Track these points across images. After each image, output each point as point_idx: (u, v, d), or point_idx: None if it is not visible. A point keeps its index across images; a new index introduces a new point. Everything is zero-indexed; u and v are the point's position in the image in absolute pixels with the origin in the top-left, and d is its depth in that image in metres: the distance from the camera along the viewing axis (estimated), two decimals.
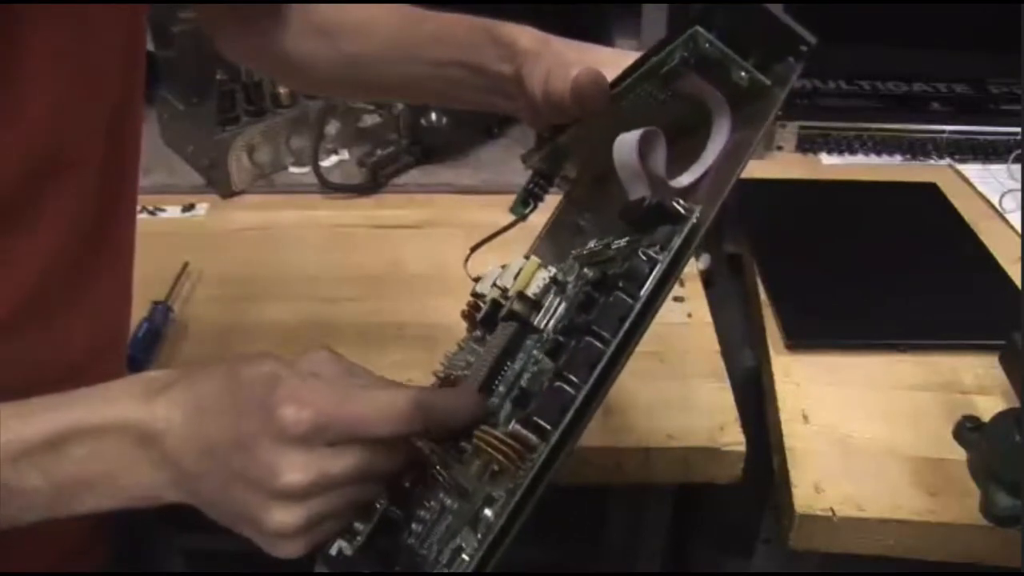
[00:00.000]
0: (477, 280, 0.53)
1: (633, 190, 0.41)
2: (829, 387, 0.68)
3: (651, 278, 0.36)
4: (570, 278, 0.44)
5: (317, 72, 0.63)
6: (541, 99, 0.51)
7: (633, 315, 0.36)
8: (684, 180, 0.41)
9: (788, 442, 0.63)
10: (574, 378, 0.36)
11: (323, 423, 0.38)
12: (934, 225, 0.89)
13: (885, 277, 0.79)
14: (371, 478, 0.40)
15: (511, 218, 0.55)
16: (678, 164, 0.42)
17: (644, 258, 0.37)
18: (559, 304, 0.43)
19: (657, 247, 0.37)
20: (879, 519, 0.58)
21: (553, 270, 0.45)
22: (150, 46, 0.90)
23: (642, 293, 0.36)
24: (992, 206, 0.93)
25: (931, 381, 0.69)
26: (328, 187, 0.96)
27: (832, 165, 1.02)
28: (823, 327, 0.73)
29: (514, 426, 0.37)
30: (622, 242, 0.42)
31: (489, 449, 0.37)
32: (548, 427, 0.36)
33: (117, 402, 0.40)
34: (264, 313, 0.78)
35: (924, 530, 0.58)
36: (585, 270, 0.43)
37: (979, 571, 0.59)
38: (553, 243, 0.55)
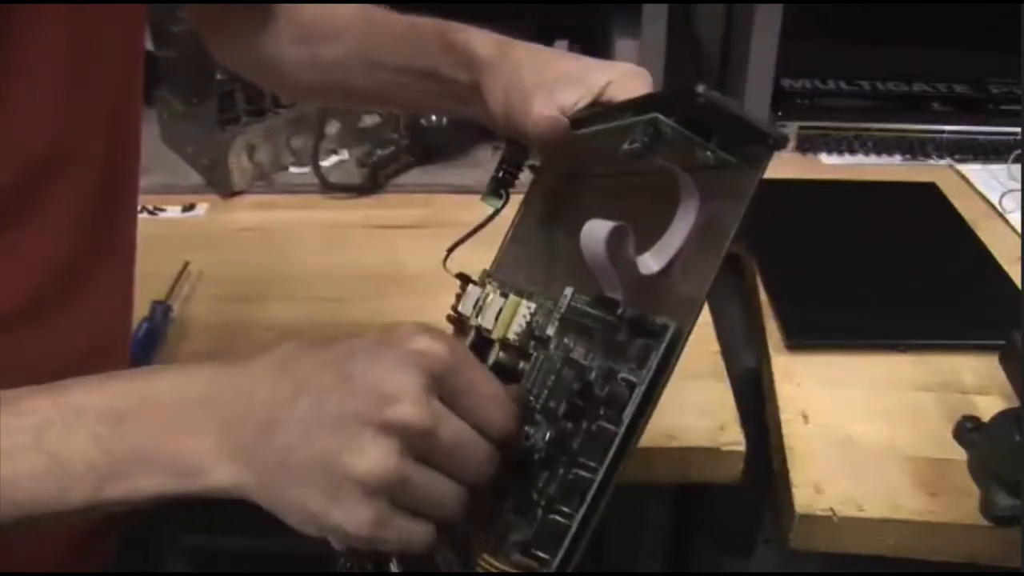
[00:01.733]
0: (461, 278, 0.53)
1: (605, 284, 0.40)
2: (829, 387, 0.68)
3: (630, 404, 0.37)
4: (550, 331, 0.43)
5: (297, 78, 0.62)
6: (501, 121, 0.50)
7: (616, 443, 0.37)
8: (654, 266, 0.40)
9: (788, 442, 0.63)
10: (565, 508, 0.37)
11: (453, 364, 0.36)
12: (934, 225, 0.89)
13: (885, 277, 0.79)
14: (466, 472, 0.37)
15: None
16: (642, 226, 0.41)
17: (623, 384, 0.37)
18: (541, 363, 0.43)
19: (635, 365, 0.37)
20: (879, 519, 0.58)
21: (533, 306, 0.45)
22: (150, 46, 0.90)
23: (624, 416, 0.37)
24: (992, 206, 0.93)
25: (931, 381, 0.69)
26: (328, 187, 0.96)
27: (832, 165, 1.02)
28: (823, 327, 0.73)
29: (516, 556, 0.38)
30: (596, 314, 0.41)
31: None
32: (546, 557, 0.37)
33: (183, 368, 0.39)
34: (264, 313, 0.78)
35: (924, 530, 0.58)
36: (566, 340, 0.42)
37: (979, 571, 0.59)
38: (524, 232, 0.55)
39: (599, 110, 0.47)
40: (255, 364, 0.38)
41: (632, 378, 0.37)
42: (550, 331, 0.43)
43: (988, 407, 0.62)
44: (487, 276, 0.53)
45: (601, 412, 0.37)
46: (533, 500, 0.39)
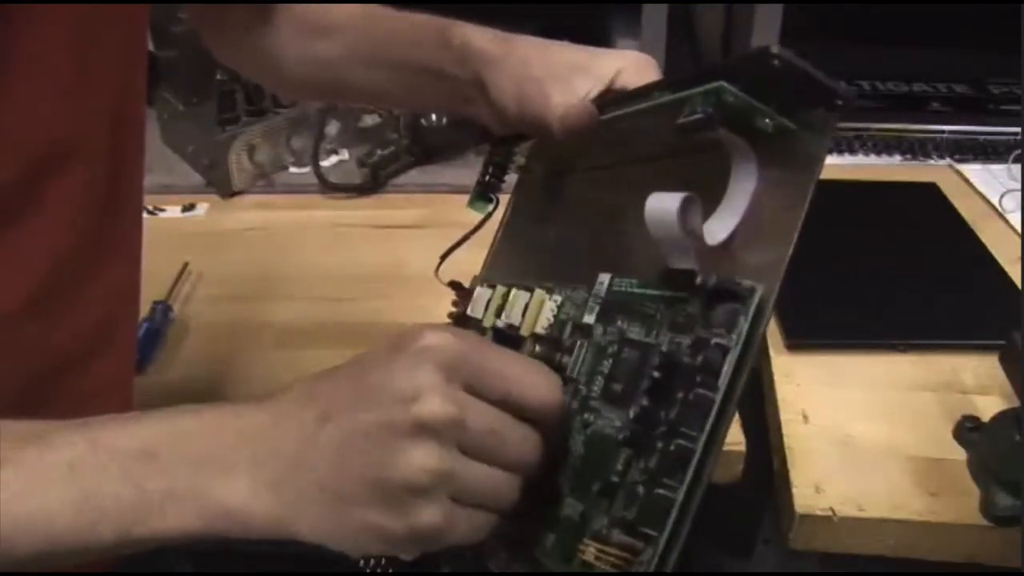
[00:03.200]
0: (453, 286, 0.53)
1: (673, 256, 0.39)
2: (829, 387, 0.68)
3: (726, 365, 0.36)
4: (589, 319, 0.43)
5: (295, 75, 0.62)
6: (514, 115, 0.50)
7: (716, 409, 0.35)
8: (719, 234, 0.40)
9: (788, 442, 0.63)
10: (670, 481, 0.36)
11: (464, 351, 0.36)
12: (934, 225, 0.89)
13: (885, 277, 0.79)
14: (508, 454, 0.37)
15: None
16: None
17: (716, 349, 0.36)
18: (586, 352, 0.42)
19: (723, 331, 0.36)
20: (879, 519, 0.58)
21: (559, 299, 0.44)
22: (150, 46, 0.90)
23: (720, 383, 0.36)
24: (992, 206, 0.93)
25: (931, 381, 0.69)
26: (328, 187, 0.96)
27: (832, 165, 1.02)
28: (823, 327, 0.73)
29: (619, 536, 0.37)
30: (653, 294, 0.40)
31: (596, 561, 0.36)
32: (654, 534, 0.35)
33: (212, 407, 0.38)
34: (264, 313, 0.78)
35: (924, 530, 0.58)
36: (620, 322, 0.41)
37: (979, 571, 0.59)
38: (516, 233, 0.54)
39: (616, 97, 0.46)
40: (277, 402, 0.38)
41: (724, 343, 0.36)
42: (588, 319, 0.42)
43: (988, 407, 0.62)
44: (479, 282, 0.52)
45: (697, 379, 0.36)
46: (615, 482, 0.38)
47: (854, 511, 0.58)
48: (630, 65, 0.48)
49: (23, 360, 0.45)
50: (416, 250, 0.85)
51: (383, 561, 0.42)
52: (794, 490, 0.59)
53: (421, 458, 0.35)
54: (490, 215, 0.54)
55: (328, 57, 0.59)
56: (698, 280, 0.37)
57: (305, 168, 0.99)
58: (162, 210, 0.93)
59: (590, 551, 0.37)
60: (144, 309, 0.74)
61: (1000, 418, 0.55)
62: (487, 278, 0.52)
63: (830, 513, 0.58)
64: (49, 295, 0.46)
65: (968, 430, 0.57)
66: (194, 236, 0.90)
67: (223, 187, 0.96)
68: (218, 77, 0.94)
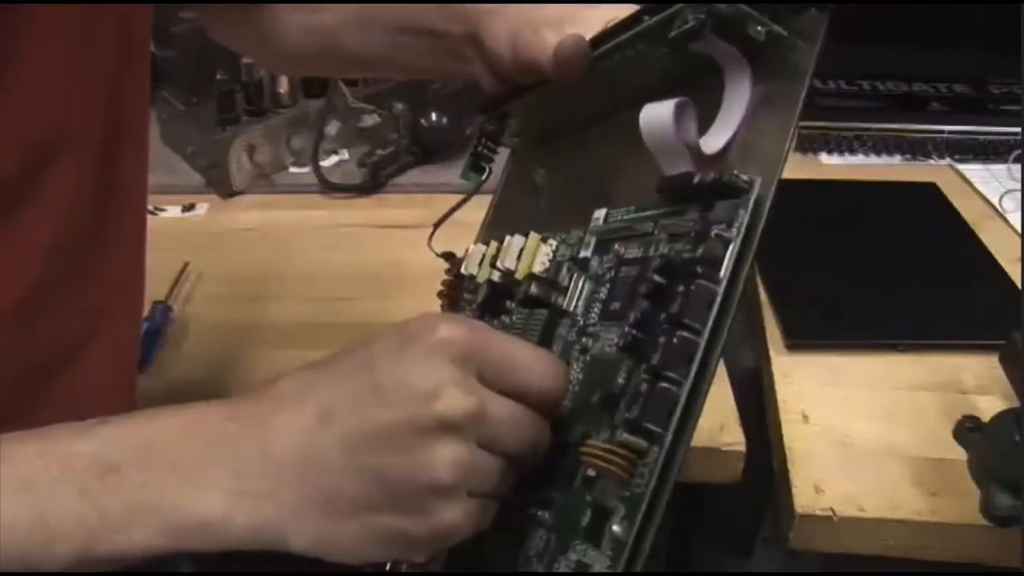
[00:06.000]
0: (446, 257, 0.52)
1: (669, 165, 0.38)
2: (829, 387, 0.68)
3: (727, 258, 0.34)
4: (586, 253, 0.42)
5: (292, 47, 0.62)
6: (510, 62, 0.49)
7: (719, 299, 0.34)
8: (715, 143, 0.39)
9: (788, 442, 0.63)
10: (673, 375, 0.34)
11: (480, 343, 0.35)
12: (934, 225, 0.89)
13: (885, 277, 0.79)
14: (524, 445, 0.36)
15: None
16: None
17: (717, 240, 0.35)
18: (584, 284, 0.42)
19: (724, 225, 0.35)
20: (879, 519, 0.58)
21: (554, 243, 0.44)
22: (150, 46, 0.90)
23: (722, 275, 0.34)
24: (992, 206, 0.93)
25: (931, 381, 0.69)
26: (328, 187, 0.96)
27: (832, 165, 1.02)
28: (823, 327, 0.73)
29: (624, 435, 0.35)
30: (649, 214, 0.39)
31: (599, 461, 0.35)
32: (658, 430, 0.34)
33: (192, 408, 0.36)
34: (264, 313, 0.78)
35: (924, 530, 0.58)
36: (617, 247, 0.41)
37: (979, 571, 0.59)
38: (510, 205, 0.54)
39: (606, 32, 0.45)
40: (262, 399, 0.36)
41: (725, 234, 0.35)
42: (585, 253, 0.42)
43: (988, 407, 0.62)
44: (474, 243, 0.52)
45: (699, 271, 0.35)
46: (615, 394, 0.36)
47: (854, 511, 0.58)
48: (623, 14, 0.47)
49: (16, 355, 0.44)
50: (416, 250, 0.84)
51: (387, 566, 0.42)
52: (794, 490, 0.59)
53: (448, 456, 0.34)
54: (481, 184, 0.54)
55: (325, 25, 0.59)
56: (696, 179, 0.36)
57: (305, 168, 0.99)
58: (162, 210, 0.93)
59: (594, 455, 0.35)
60: (144, 309, 0.74)
61: (1000, 418, 0.55)
62: (482, 241, 0.52)
63: (830, 513, 0.58)
64: (43, 288, 0.46)
65: (968, 430, 0.57)
66: (194, 236, 0.90)
67: (223, 187, 0.96)
68: (218, 77, 0.94)
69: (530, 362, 0.37)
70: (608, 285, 0.40)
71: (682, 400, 0.34)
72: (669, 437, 0.34)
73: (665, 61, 0.42)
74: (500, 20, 0.49)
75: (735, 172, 0.35)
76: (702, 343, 0.34)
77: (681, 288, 0.35)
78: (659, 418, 0.34)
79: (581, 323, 0.41)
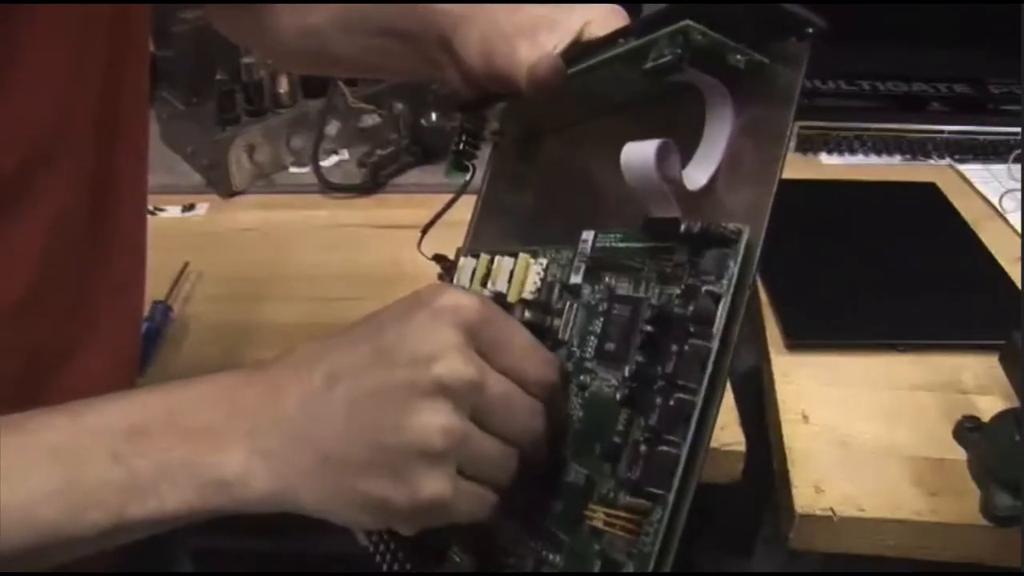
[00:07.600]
0: (439, 260, 0.52)
1: (653, 204, 0.38)
2: (829, 387, 0.68)
3: (719, 315, 0.35)
4: (576, 279, 0.42)
5: (288, 45, 0.62)
6: (482, 73, 0.48)
7: (713, 358, 0.35)
8: (699, 179, 0.39)
9: (788, 442, 0.63)
10: (672, 437, 0.34)
11: (487, 316, 0.35)
12: (934, 225, 0.89)
13: (885, 277, 0.79)
14: (515, 428, 0.36)
15: None
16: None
17: (708, 296, 0.35)
18: (577, 312, 0.42)
19: (713, 278, 0.35)
20: (879, 519, 0.58)
21: (544, 261, 0.44)
22: (150, 46, 0.90)
23: (715, 331, 0.35)
24: (992, 206, 0.93)
25: (931, 381, 0.69)
26: (328, 187, 0.96)
27: (832, 165, 1.02)
28: (823, 327, 0.73)
29: (627, 498, 0.35)
30: (637, 247, 0.39)
31: (605, 527, 0.36)
32: (661, 492, 0.35)
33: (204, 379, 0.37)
34: (264, 313, 0.78)
35: (924, 530, 0.58)
36: (608, 279, 0.41)
37: (979, 571, 0.59)
38: (496, 200, 0.54)
39: (584, 47, 0.45)
40: (277, 366, 0.37)
41: (715, 290, 0.35)
42: (575, 279, 0.42)
43: (988, 407, 0.62)
44: (463, 253, 0.52)
45: (691, 330, 0.34)
46: (617, 443, 0.37)
47: (854, 511, 0.58)
48: (598, 17, 0.47)
49: (15, 355, 0.44)
50: (416, 250, 0.85)
51: (392, 546, 0.42)
52: (794, 490, 0.59)
53: (437, 420, 0.34)
54: (468, 183, 0.53)
55: (314, 25, 0.59)
56: (682, 228, 0.36)
57: (305, 168, 0.99)
58: (162, 210, 0.93)
59: (598, 517, 0.36)
60: (144, 309, 0.74)
61: (1000, 418, 0.55)
62: (471, 249, 0.52)
63: (830, 513, 0.58)
64: (42, 288, 0.46)
65: (968, 430, 0.57)
66: (194, 236, 0.90)
67: (223, 187, 0.96)
68: (218, 77, 0.94)
69: (528, 347, 0.37)
70: (602, 319, 0.40)
71: (683, 459, 0.34)
72: (672, 497, 0.34)
73: (642, 84, 0.41)
74: (472, 27, 0.49)
75: (722, 223, 0.35)
76: (699, 403, 0.34)
77: (675, 348, 0.35)
78: (660, 481, 0.34)
79: (577, 354, 0.41)
